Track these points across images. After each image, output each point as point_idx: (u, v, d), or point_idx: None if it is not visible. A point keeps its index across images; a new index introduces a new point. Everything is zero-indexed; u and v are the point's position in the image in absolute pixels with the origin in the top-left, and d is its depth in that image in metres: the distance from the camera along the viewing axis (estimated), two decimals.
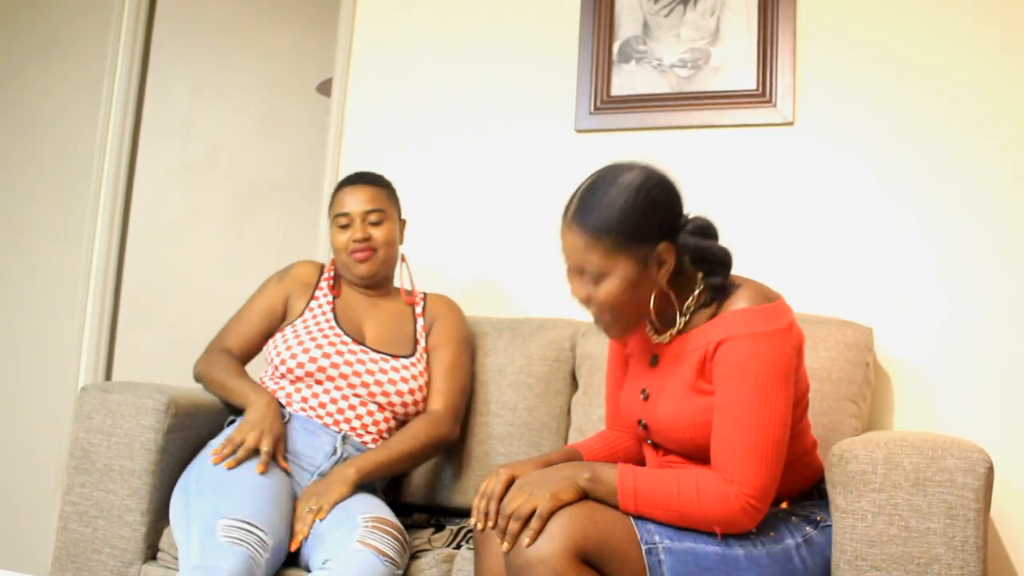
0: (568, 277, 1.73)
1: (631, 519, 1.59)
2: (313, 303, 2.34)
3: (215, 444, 2.10)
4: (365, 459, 2.11)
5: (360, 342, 2.27)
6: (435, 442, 2.24)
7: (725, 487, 1.57)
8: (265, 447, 2.01)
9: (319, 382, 2.19)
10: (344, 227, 2.34)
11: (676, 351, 1.74)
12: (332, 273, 2.43)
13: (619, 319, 1.70)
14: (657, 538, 1.57)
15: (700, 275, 1.72)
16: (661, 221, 1.68)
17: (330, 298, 2.36)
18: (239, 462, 1.98)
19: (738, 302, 1.67)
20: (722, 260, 1.70)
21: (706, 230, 1.71)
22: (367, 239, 2.33)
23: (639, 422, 1.79)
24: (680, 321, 1.72)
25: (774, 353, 1.61)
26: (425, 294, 2.49)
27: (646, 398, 1.78)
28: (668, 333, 1.75)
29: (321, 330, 2.25)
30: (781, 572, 1.62)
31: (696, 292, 1.72)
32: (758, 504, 1.58)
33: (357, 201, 2.35)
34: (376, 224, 2.35)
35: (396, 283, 2.49)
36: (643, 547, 1.55)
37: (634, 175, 1.72)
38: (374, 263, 2.35)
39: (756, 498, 1.57)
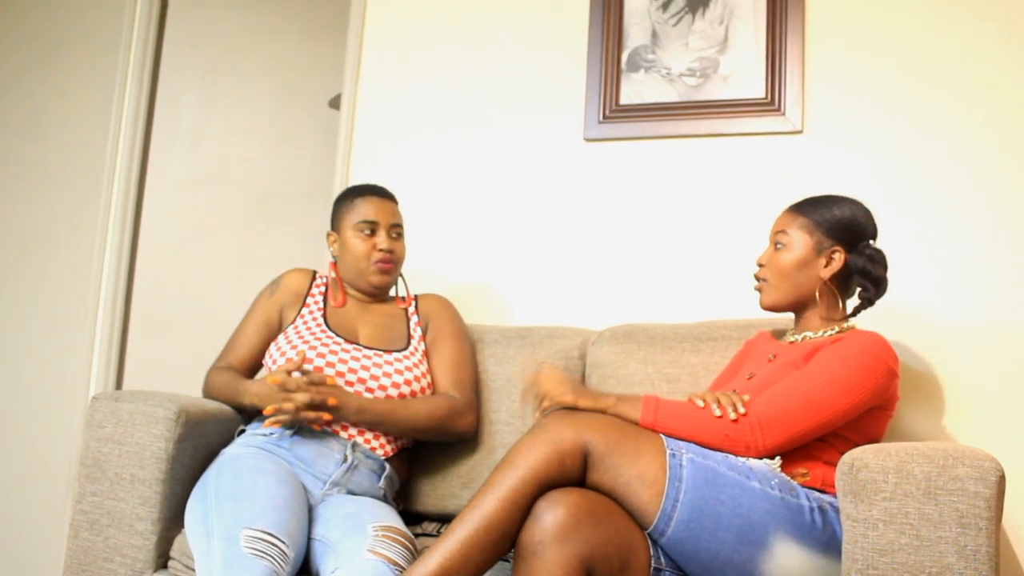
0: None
1: (661, 442, 1.74)
2: (304, 310, 2.36)
3: (228, 453, 2.10)
4: (374, 400, 2.16)
5: (353, 342, 2.29)
6: (450, 426, 2.28)
7: (743, 407, 1.81)
8: (301, 398, 2.06)
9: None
10: (368, 235, 2.35)
11: (795, 353, 1.98)
12: (325, 280, 2.44)
13: (777, 287, 2.06)
14: (684, 449, 1.73)
15: (858, 290, 2.07)
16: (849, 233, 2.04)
17: (321, 305, 2.37)
18: (291, 416, 2.06)
19: (859, 331, 1.99)
20: (877, 282, 2.04)
21: (875, 257, 2.04)
22: (392, 251, 2.36)
23: None
24: (825, 330, 2.03)
25: (869, 358, 1.87)
26: (417, 295, 2.50)
27: (750, 378, 2.02)
28: (802, 335, 2.05)
29: (312, 333, 2.27)
30: (790, 519, 1.71)
31: (848, 302, 2.09)
32: (763, 429, 1.78)
33: (384, 212, 2.38)
34: (396, 239, 2.38)
35: (391, 293, 2.52)
36: (667, 451, 1.72)
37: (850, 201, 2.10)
38: (392, 275, 2.39)
39: (764, 423, 1.79)
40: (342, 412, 2.12)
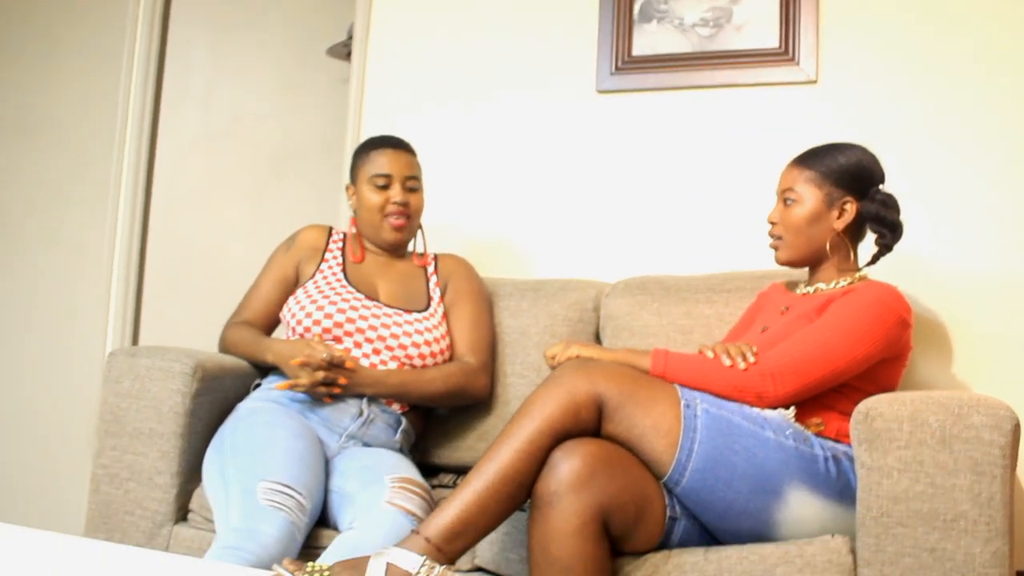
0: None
1: (675, 392, 1.75)
2: (323, 265, 2.35)
3: (244, 407, 2.12)
4: (388, 373, 2.16)
5: (373, 298, 2.29)
6: (464, 391, 2.29)
7: (753, 356, 1.82)
8: (319, 376, 2.07)
9: (337, 339, 2.20)
10: (382, 188, 2.34)
11: (808, 305, 1.97)
12: (343, 236, 2.44)
13: (792, 244, 2.05)
14: (699, 399, 1.74)
15: (875, 237, 2.06)
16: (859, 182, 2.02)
17: (340, 260, 2.37)
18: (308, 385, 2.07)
19: (872, 281, 1.99)
20: (892, 226, 2.02)
21: (887, 202, 2.02)
22: (406, 204, 2.34)
23: None
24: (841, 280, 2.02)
25: (881, 308, 1.87)
26: (436, 255, 2.50)
27: (763, 331, 2.01)
28: (815, 286, 2.04)
29: (333, 289, 2.27)
30: (805, 468, 1.72)
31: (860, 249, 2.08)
32: (775, 378, 1.78)
33: (399, 165, 2.36)
34: (412, 191, 2.37)
35: (409, 248, 2.51)
36: (682, 402, 1.71)
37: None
38: (408, 231, 2.38)
39: (776, 373, 1.79)
40: (358, 388, 2.13)
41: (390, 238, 2.37)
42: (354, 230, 2.43)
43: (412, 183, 2.37)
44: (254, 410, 2.09)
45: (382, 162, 2.35)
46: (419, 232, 2.46)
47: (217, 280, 3.23)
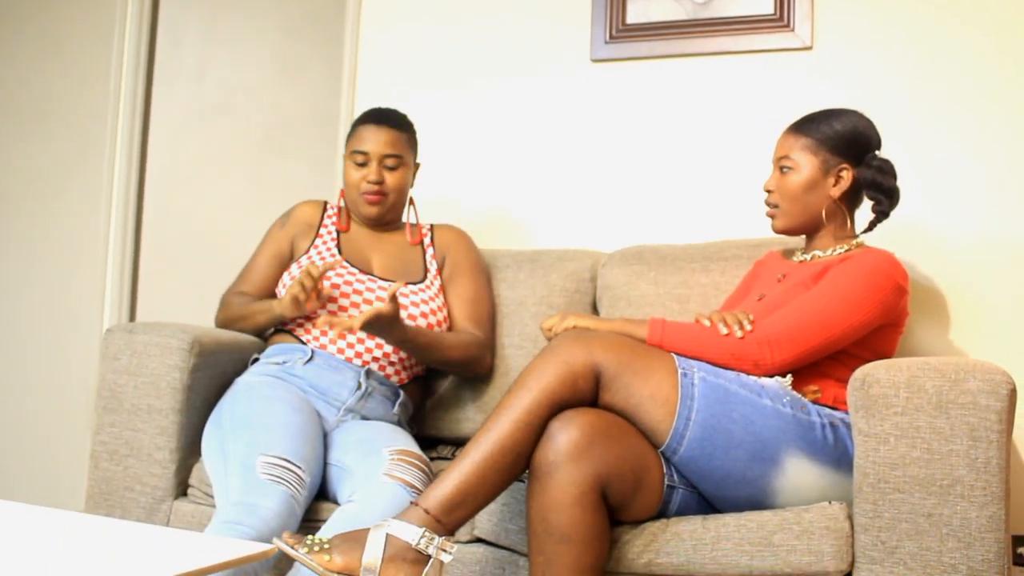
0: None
1: (672, 361, 1.75)
2: (318, 240, 2.35)
3: (242, 382, 2.12)
4: (418, 332, 2.16)
5: (367, 272, 2.28)
6: (473, 362, 2.30)
7: (750, 324, 1.82)
8: (314, 273, 2.07)
9: (333, 313, 2.19)
10: (360, 165, 2.33)
11: (804, 272, 1.97)
12: (337, 208, 2.43)
13: (788, 211, 2.04)
14: (696, 368, 1.74)
15: (872, 204, 2.05)
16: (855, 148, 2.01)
17: (335, 234, 2.36)
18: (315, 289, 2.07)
19: (869, 248, 1.99)
20: (888, 193, 2.02)
21: (883, 168, 2.01)
22: (380, 183, 2.32)
23: None
24: (838, 248, 2.02)
25: (878, 275, 1.87)
26: (432, 225, 2.49)
27: (760, 299, 2.00)
28: (811, 254, 2.04)
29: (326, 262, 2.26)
30: (802, 435, 1.73)
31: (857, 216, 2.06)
32: (772, 346, 1.79)
33: (377, 142, 2.33)
34: (391, 169, 2.34)
35: (404, 219, 2.49)
36: (679, 371, 1.71)
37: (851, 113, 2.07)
38: (382, 207, 2.36)
39: (773, 340, 1.79)
40: (390, 340, 2.12)
41: (365, 213, 2.36)
42: (343, 202, 2.43)
43: (391, 161, 2.33)
44: (252, 384, 2.09)
45: (361, 138, 2.34)
46: (412, 207, 2.45)
47: (213, 255, 3.22)
